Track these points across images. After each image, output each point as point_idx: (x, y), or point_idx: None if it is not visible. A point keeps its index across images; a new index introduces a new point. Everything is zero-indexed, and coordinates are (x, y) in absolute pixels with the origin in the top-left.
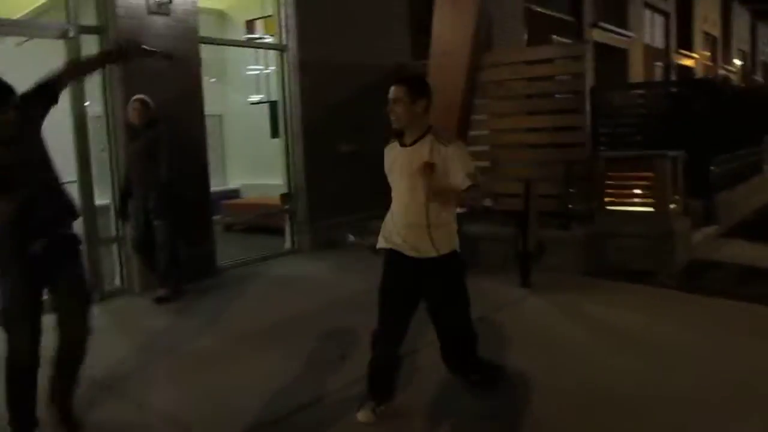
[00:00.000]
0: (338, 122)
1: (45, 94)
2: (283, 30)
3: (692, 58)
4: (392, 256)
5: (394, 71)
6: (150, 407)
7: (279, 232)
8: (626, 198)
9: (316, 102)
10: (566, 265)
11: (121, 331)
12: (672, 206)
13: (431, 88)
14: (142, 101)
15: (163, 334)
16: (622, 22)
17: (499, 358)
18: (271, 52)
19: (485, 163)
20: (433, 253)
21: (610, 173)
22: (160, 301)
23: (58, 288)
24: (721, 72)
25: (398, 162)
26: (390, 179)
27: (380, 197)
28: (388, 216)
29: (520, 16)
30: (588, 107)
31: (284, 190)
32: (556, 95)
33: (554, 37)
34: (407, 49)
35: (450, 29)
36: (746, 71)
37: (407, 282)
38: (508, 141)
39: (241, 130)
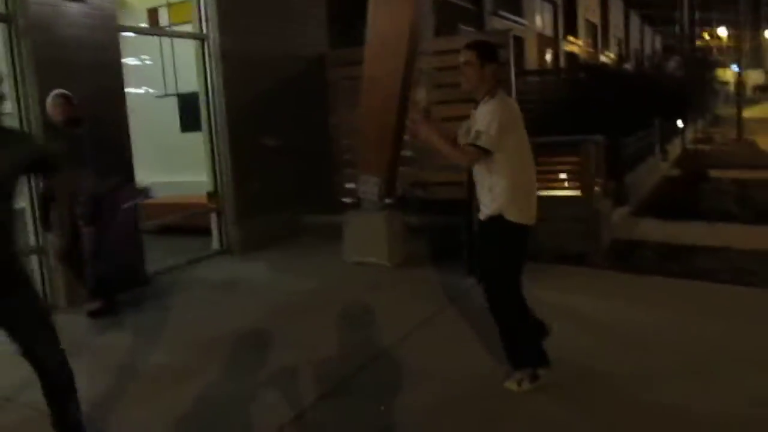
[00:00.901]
0: (263, 115)
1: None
2: (203, 18)
3: (577, 45)
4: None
5: (316, 61)
6: None
7: (202, 232)
8: (554, 183)
9: (240, 94)
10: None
11: (70, 352)
12: (596, 189)
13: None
14: (65, 96)
15: (111, 352)
16: (517, 10)
17: (477, 348)
18: (182, 42)
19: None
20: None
21: (538, 159)
22: (94, 315)
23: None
24: (602, 58)
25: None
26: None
27: (308, 192)
28: (512, 185)
29: (429, 4)
30: (513, 95)
31: (205, 187)
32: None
33: (461, 26)
34: (325, 39)
35: (387, 17)
36: (620, 58)
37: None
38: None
39: (147, 125)
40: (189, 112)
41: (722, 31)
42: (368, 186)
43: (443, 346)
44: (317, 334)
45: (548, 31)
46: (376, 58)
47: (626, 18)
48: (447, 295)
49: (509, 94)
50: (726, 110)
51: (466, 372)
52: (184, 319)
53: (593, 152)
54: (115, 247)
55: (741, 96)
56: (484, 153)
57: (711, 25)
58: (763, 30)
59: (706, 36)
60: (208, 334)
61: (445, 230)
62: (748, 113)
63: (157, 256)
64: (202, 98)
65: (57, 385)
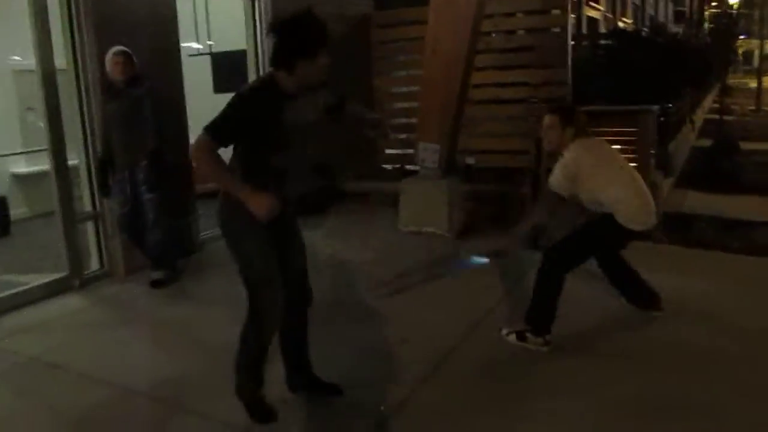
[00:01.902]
0: None
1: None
2: None
3: (598, 9)
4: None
5: (361, 22)
6: (222, 421)
7: None
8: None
9: None
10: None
11: (134, 325)
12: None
13: (578, 115)
14: (125, 54)
15: (188, 326)
16: None
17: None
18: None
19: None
20: None
21: (592, 129)
22: (156, 284)
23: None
24: (620, 24)
25: None
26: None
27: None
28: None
29: None
30: (570, 61)
31: None
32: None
33: None
34: None
35: None
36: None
37: None
38: (481, 96)
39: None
40: (224, 72)
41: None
42: (428, 153)
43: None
44: (414, 312)
45: None
46: (440, 20)
47: None
48: (514, 271)
49: (566, 60)
50: (735, 80)
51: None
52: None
53: (651, 122)
54: (173, 212)
55: (761, 65)
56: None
57: None
58: None
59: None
60: None
61: (499, 199)
62: (754, 83)
63: (204, 222)
64: (251, 58)
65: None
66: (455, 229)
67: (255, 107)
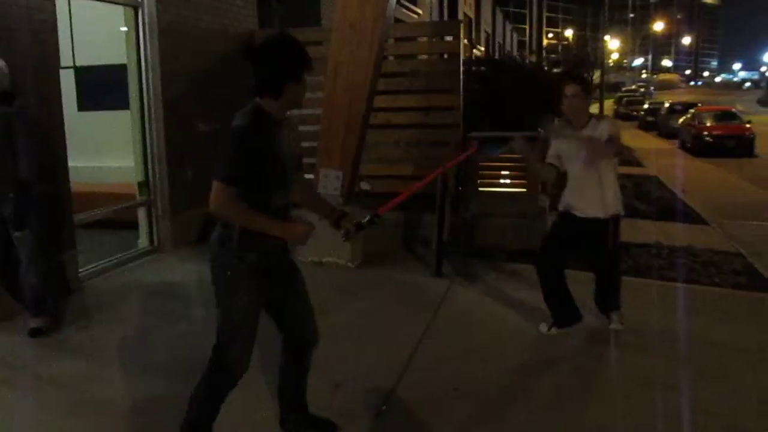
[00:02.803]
0: (200, 95)
1: None
2: None
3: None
4: None
5: (246, 40)
6: None
7: (116, 225)
8: (499, 179)
9: (177, 70)
10: (452, 249)
11: (14, 385)
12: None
13: None
14: None
15: (82, 383)
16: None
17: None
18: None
19: None
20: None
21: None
22: (35, 334)
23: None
24: (475, 52)
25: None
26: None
27: None
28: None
29: None
30: (461, 87)
31: (108, 173)
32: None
33: None
34: (255, 15)
35: (358, 0)
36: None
37: None
38: (373, 121)
39: None
40: (91, 88)
41: (568, 32)
42: (330, 180)
43: (464, 359)
44: (338, 349)
45: None
46: (344, 43)
47: (494, 14)
48: (427, 300)
49: (457, 86)
50: None
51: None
52: (143, 336)
53: (541, 148)
54: (49, 249)
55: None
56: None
57: (558, 25)
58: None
59: (549, 35)
60: (177, 354)
61: (402, 226)
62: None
63: (85, 257)
64: (132, 73)
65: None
66: (358, 258)
67: (257, 140)
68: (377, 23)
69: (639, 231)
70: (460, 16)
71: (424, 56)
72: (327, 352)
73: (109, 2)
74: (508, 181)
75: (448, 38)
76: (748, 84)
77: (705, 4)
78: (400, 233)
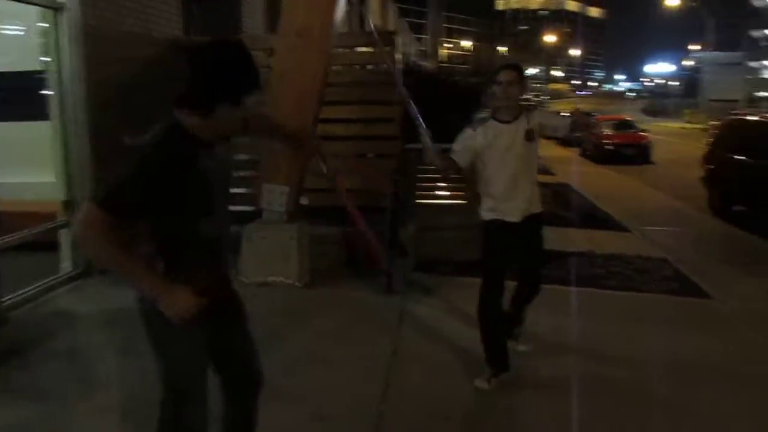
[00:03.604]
0: (126, 105)
1: None
2: None
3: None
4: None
5: (171, 46)
6: None
7: (34, 247)
8: (439, 191)
9: (103, 78)
10: (398, 263)
11: None
12: None
13: None
14: None
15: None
16: None
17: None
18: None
19: None
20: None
21: (421, 166)
22: None
23: None
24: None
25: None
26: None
27: None
28: None
29: None
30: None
31: (54, 190)
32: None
33: None
34: (179, 21)
35: (304, 7)
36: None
37: None
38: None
39: None
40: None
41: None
42: (275, 195)
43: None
44: (311, 376)
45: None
46: (290, 50)
47: (399, 24)
48: (386, 319)
49: (396, 97)
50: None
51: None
52: (91, 373)
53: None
54: None
55: None
56: None
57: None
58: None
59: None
60: (134, 393)
61: (346, 241)
62: None
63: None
64: (53, 81)
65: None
66: (305, 277)
67: (167, 164)
68: (324, 31)
69: (569, 239)
70: (371, 26)
71: (358, 66)
72: (300, 380)
73: (23, 2)
74: (446, 192)
75: (386, 48)
76: (632, 94)
77: (591, 18)
78: (338, 249)
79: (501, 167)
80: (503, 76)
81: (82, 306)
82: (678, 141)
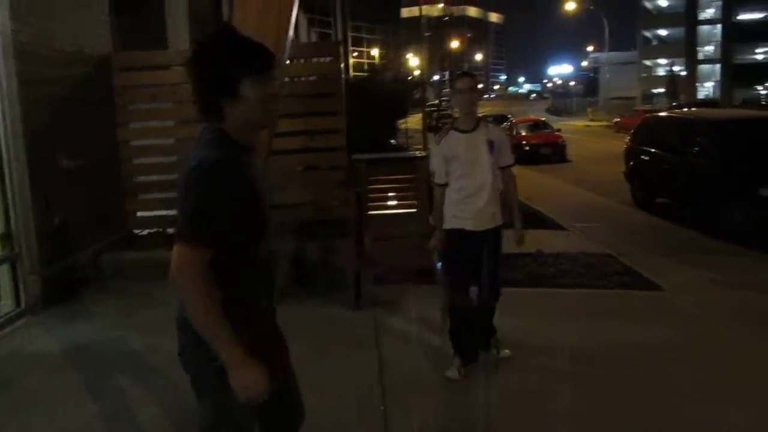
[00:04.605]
0: (63, 127)
1: None
2: None
3: None
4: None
5: (102, 64)
6: None
7: None
8: (389, 200)
9: (38, 99)
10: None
11: None
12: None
13: None
14: None
15: None
16: None
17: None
18: None
19: None
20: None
21: (371, 177)
22: None
23: None
24: None
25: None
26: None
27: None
28: None
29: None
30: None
31: None
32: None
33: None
34: (108, 37)
35: (256, 17)
36: None
37: None
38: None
39: None
40: None
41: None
42: None
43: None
44: None
45: None
46: None
47: (309, 34)
48: (361, 335)
49: (341, 108)
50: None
51: None
52: (60, 425)
53: (425, 168)
54: None
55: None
56: None
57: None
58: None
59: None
60: None
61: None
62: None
63: None
64: None
65: None
66: None
67: (232, 172)
68: (279, 40)
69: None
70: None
71: (303, 78)
72: None
73: None
74: (396, 202)
75: (329, 59)
76: (534, 95)
77: (492, 23)
78: (286, 265)
79: (464, 176)
80: (463, 84)
81: (32, 346)
82: (587, 138)
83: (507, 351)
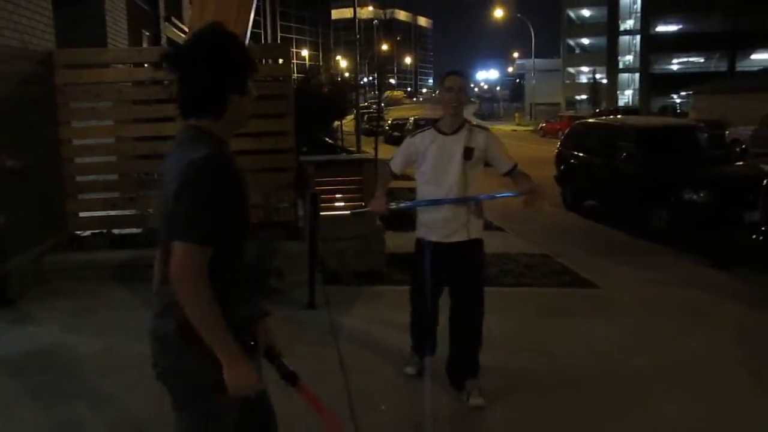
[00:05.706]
0: (4, 125)
1: None
2: None
3: None
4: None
5: (43, 62)
6: None
7: None
8: (336, 202)
9: None
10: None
11: None
12: None
13: None
14: None
15: None
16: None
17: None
18: None
19: None
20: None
21: (319, 179)
22: None
23: None
24: None
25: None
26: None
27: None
28: None
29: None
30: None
31: None
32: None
33: (143, 31)
34: (51, 33)
35: (213, 15)
36: None
37: None
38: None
39: None
40: None
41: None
42: None
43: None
44: None
45: None
46: None
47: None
48: (318, 335)
49: (290, 110)
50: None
51: None
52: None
53: (373, 170)
54: None
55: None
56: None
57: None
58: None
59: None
60: None
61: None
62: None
63: None
64: None
65: None
66: None
67: (227, 167)
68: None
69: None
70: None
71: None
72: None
73: None
74: (342, 204)
75: (279, 61)
76: None
77: (421, 27)
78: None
79: (430, 183)
80: (452, 82)
81: None
82: (515, 143)
83: (480, 401)
